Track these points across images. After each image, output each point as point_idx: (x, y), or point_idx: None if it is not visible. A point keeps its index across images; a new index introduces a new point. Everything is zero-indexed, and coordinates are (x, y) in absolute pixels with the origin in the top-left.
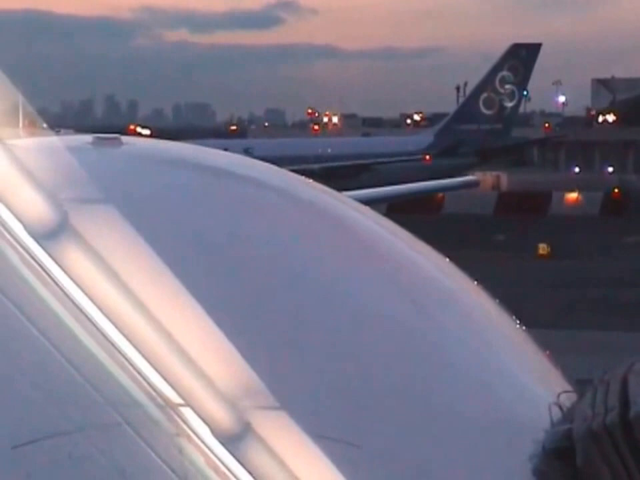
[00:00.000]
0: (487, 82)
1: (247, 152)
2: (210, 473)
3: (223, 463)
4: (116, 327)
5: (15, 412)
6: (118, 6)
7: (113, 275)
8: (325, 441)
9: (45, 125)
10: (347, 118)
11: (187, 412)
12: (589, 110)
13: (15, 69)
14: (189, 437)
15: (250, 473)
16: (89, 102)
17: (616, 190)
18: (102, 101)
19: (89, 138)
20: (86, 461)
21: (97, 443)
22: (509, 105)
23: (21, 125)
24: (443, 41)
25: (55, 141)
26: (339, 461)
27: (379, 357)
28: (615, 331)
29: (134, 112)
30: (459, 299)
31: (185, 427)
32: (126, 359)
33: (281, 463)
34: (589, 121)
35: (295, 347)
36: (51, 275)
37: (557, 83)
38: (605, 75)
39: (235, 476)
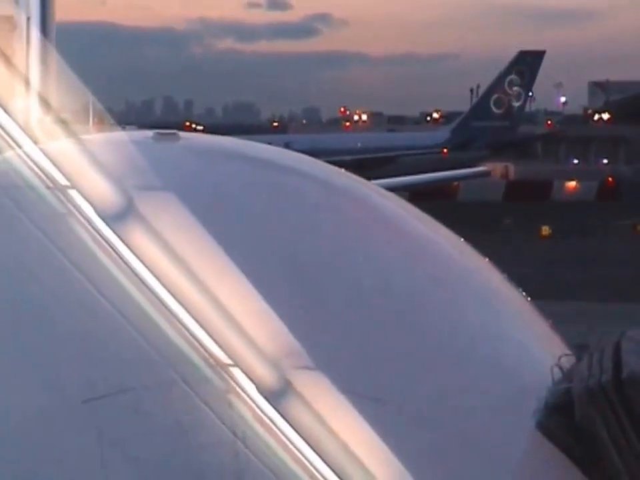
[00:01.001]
0: (496, 84)
1: (287, 146)
2: (256, 425)
3: (267, 416)
4: (174, 297)
5: (87, 370)
6: (175, 19)
7: (172, 251)
8: (354, 396)
9: (112, 122)
10: (374, 116)
11: (236, 371)
12: (585, 109)
13: (87, 74)
14: (237, 393)
15: (290, 424)
16: (150, 102)
17: (610, 179)
18: (161, 101)
19: (150, 133)
20: (149, 415)
21: (158, 399)
22: (516, 104)
23: (91, 122)
24: (457, 48)
25: (121, 135)
26: (365, 414)
27: (402, 322)
28: (609, 302)
29: (189, 110)
30: (473, 274)
31: (233, 384)
32: (183, 325)
33: (317, 416)
34: (586, 118)
35: (328, 315)
36: (117, 252)
37: (558, 85)
38: (600, 78)
39: (277, 427)
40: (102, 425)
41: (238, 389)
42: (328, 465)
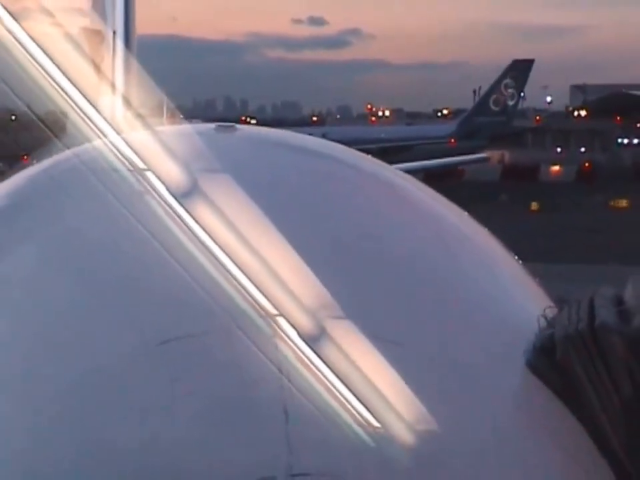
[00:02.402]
0: (495, 87)
1: (324, 136)
2: (297, 364)
3: (306, 356)
4: (232, 259)
5: (162, 318)
6: (234, 32)
7: (229, 222)
8: (377, 340)
9: (181, 117)
10: (395, 112)
11: (281, 320)
12: (567, 107)
13: (161, 78)
14: (282, 338)
15: (326, 364)
16: (212, 101)
17: (587, 164)
18: (221, 100)
19: (212, 125)
20: (210, 355)
21: (218, 342)
22: (511, 103)
23: (164, 117)
24: (465, 57)
25: (188, 127)
26: (387, 356)
27: (418, 278)
28: (587, 264)
29: (245, 108)
30: (474, 239)
31: (279, 330)
32: (238, 282)
33: (347, 357)
34: (568, 115)
35: (357, 273)
36: (186, 223)
37: (545, 87)
38: (580, 82)
39: (315, 366)
40: (173, 364)
41: (282, 334)
42: (357, 399)
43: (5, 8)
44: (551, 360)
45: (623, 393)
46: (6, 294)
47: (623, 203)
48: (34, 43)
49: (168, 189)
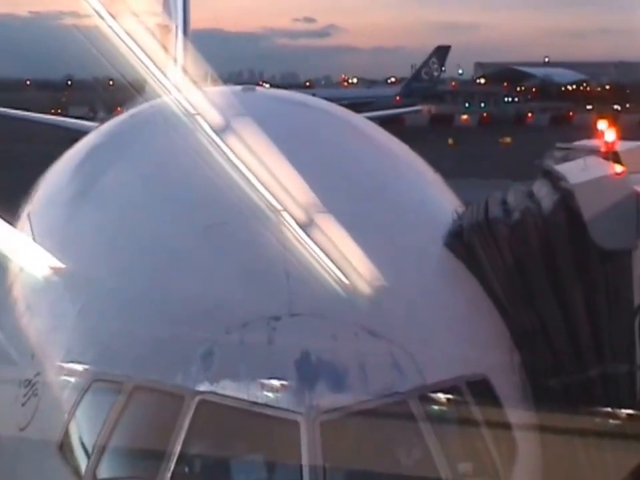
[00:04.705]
0: (425, 63)
1: (314, 95)
2: (296, 243)
3: (302, 238)
4: (253, 174)
5: (207, 209)
6: (254, 26)
7: (253, 151)
8: (347, 226)
9: (219, 82)
10: (360, 80)
11: (284, 213)
12: (472, 77)
13: (206, 57)
14: (285, 225)
15: (315, 242)
16: (240, 73)
17: (485, 115)
18: (246, 71)
19: (239, 87)
20: (237, 237)
21: (243, 228)
22: (435, 74)
23: (209, 81)
24: (405, 43)
25: (224, 88)
26: (352, 236)
27: (375, 185)
28: (483, 179)
29: (261, 76)
30: (411, 163)
31: (283, 220)
32: (257, 188)
33: (328, 237)
34: (472, 82)
35: (335, 183)
36: (222, 149)
37: (458, 64)
38: (481, 60)
39: (308, 244)
40: (214, 239)
41: (285, 222)
42: (336, 265)
43: (107, 10)
44: (461, 241)
45: (507, 261)
46: (108, 194)
47: (507, 140)
48: (126, 34)
49: (211, 127)
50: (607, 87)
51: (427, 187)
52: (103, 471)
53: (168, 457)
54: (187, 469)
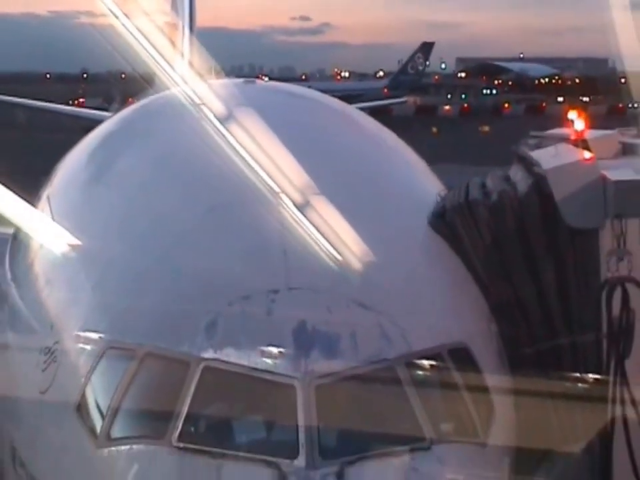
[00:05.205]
0: (411, 58)
1: (310, 87)
2: (293, 222)
3: (298, 218)
4: (254, 158)
5: (213, 192)
6: (255, 24)
7: (252, 135)
8: (339, 207)
9: (223, 75)
10: (351, 73)
11: (283, 195)
12: (454, 71)
13: (210, 52)
14: (283, 206)
15: (311, 222)
16: (241, 67)
17: (465, 105)
18: (247, 66)
19: (241, 80)
20: (240, 216)
21: (245, 209)
22: (420, 68)
23: (213, 74)
24: (393, 40)
25: (226, 81)
26: (344, 215)
27: (367, 170)
28: (462, 165)
29: (260, 70)
30: (399, 150)
31: (282, 201)
32: (257, 172)
33: (322, 217)
34: (454, 76)
35: (329, 166)
36: (225, 134)
37: (440, 58)
38: (462, 56)
39: (304, 223)
40: (218, 219)
41: (283, 204)
42: (329, 243)
43: (120, 10)
44: (444, 221)
45: (485, 239)
46: (121, 178)
47: (486, 128)
48: (137, 31)
49: (215, 117)
50: (577, 80)
51: (412, 171)
52: (117, 430)
53: (176, 417)
54: (192, 429)
